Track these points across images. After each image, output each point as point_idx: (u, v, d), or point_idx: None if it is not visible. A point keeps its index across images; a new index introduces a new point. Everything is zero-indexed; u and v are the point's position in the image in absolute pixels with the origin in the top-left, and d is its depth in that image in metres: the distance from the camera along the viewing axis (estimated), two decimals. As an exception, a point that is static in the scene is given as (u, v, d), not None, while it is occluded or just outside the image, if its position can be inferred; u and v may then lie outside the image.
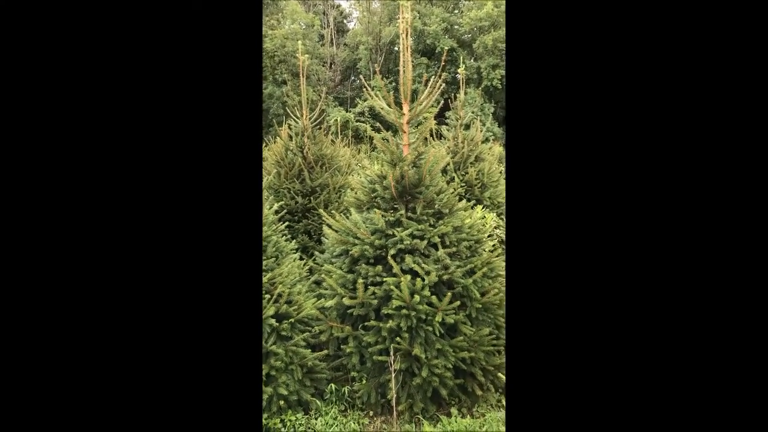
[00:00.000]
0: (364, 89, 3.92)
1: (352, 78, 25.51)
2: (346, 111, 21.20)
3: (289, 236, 4.44)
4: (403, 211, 3.35)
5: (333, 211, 4.52)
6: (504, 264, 3.46)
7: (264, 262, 3.22)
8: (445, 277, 3.13)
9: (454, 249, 3.28)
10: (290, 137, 5.66)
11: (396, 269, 3.09)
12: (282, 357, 2.94)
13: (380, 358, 3.00)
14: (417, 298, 2.94)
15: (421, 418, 3.02)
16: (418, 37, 22.42)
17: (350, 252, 3.28)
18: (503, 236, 5.82)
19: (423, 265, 3.12)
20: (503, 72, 21.20)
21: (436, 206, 3.38)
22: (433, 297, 3.01)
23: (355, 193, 3.68)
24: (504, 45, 21.13)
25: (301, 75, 5.49)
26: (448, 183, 5.72)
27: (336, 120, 15.03)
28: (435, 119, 5.22)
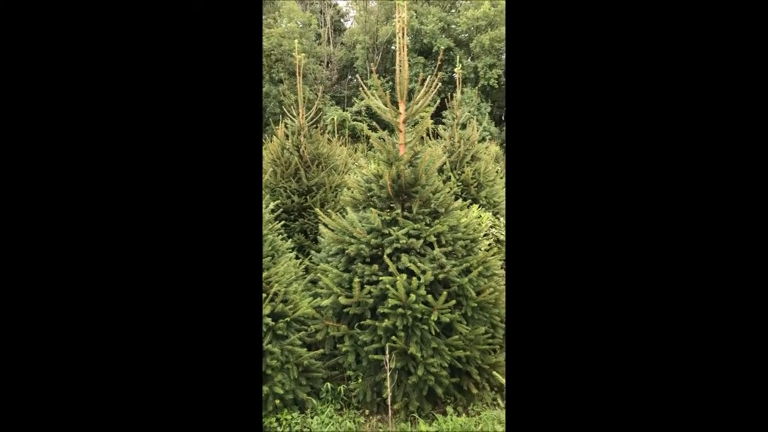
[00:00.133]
0: (361, 88, 3.92)
1: (349, 77, 25.48)
2: (343, 110, 21.17)
3: (285, 235, 4.44)
4: (399, 210, 3.35)
5: (329, 210, 4.53)
6: (500, 263, 3.47)
7: (260, 261, 3.21)
8: (441, 276, 3.13)
9: (450, 248, 3.29)
10: (287, 136, 5.66)
11: (392, 268, 3.10)
12: (278, 356, 2.95)
13: (376, 356, 3.01)
14: (413, 297, 2.95)
15: (417, 417, 3.02)
16: (415, 37, 22.42)
17: (346, 251, 3.29)
18: (499, 235, 5.84)
19: (419, 264, 3.12)
20: (500, 71, 21.23)
21: (432, 205, 3.39)
22: (429, 296, 3.02)
23: (352, 192, 3.69)
24: (501, 44, 21.16)
25: (297, 74, 5.48)
26: (444, 182, 5.73)
27: (333, 119, 15.03)
28: (431, 118, 5.23)
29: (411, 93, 3.59)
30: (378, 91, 3.56)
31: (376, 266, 3.18)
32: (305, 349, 3.12)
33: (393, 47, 23.48)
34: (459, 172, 6.67)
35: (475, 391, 3.11)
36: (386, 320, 2.99)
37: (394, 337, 2.98)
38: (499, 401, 3.21)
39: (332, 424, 2.97)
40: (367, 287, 3.13)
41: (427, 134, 8.02)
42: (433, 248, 3.24)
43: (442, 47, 20.88)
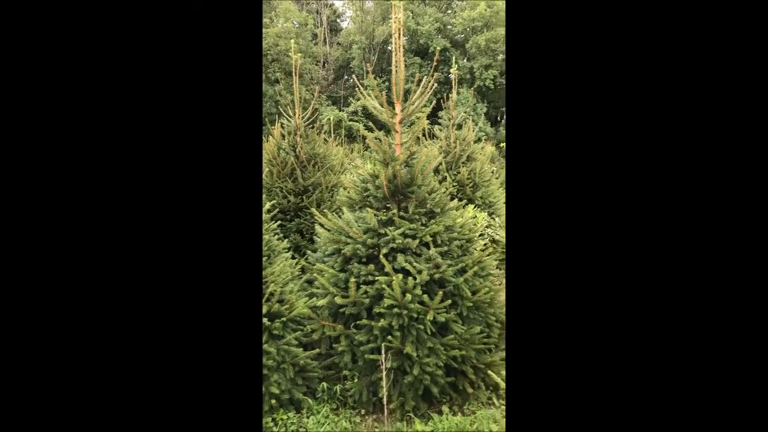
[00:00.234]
0: (357, 88, 3.92)
1: (345, 77, 25.46)
2: (339, 110, 21.16)
3: (281, 235, 4.44)
4: (395, 211, 3.36)
5: (325, 210, 4.52)
6: (495, 263, 3.48)
7: (256, 261, 3.21)
8: (437, 275, 3.14)
9: (446, 248, 3.30)
10: (283, 136, 5.65)
11: (388, 268, 3.10)
12: (274, 356, 2.95)
13: (372, 356, 3.01)
14: (409, 296, 2.96)
15: (413, 416, 3.03)
16: (411, 37, 22.43)
17: (342, 251, 3.29)
18: (494, 235, 5.86)
19: (415, 264, 3.13)
20: (496, 72, 21.27)
21: (428, 205, 3.40)
22: (425, 296, 3.03)
23: (348, 193, 3.69)
24: (497, 45, 21.20)
25: (294, 74, 5.48)
26: (440, 182, 5.74)
27: (329, 119, 15.00)
28: (427, 119, 5.24)
29: (407, 93, 3.60)
30: (374, 92, 3.56)
31: (372, 266, 3.19)
32: (301, 349, 3.13)
33: (389, 47, 23.49)
34: (455, 173, 6.68)
35: (470, 390, 3.12)
36: (382, 320, 3.00)
37: (390, 337, 2.99)
38: (495, 400, 3.23)
39: (328, 424, 2.98)
40: (363, 287, 3.14)
41: (423, 134, 8.03)
42: (428, 248, 3.25)
43: (438, 48, 20.88)
